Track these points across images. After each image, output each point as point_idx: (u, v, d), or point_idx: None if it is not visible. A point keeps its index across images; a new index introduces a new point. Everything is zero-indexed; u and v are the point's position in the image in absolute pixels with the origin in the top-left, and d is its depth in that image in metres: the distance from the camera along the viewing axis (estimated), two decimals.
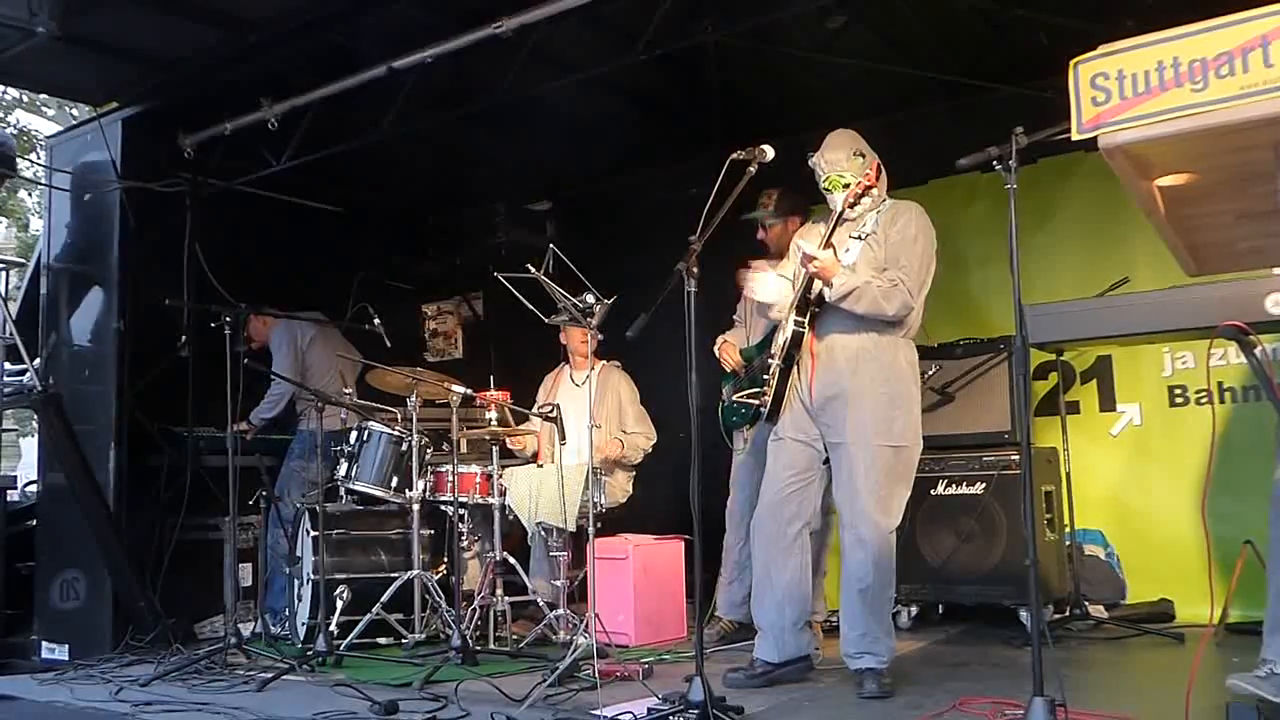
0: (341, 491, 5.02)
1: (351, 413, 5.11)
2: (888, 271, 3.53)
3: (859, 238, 3.59)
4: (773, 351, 3.69)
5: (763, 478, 3.74)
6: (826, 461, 3.61)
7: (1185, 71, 2.03)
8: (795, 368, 3.60)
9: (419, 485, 4.82)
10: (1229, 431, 4.60)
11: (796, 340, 3.57)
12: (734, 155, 3.33)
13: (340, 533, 4.88)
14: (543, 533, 4.72)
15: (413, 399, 4.78)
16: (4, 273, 5.64)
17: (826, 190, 3.67)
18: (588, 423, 4.33)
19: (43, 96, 15.72)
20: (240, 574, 5.30)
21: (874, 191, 3.65)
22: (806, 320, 3.57)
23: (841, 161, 3.63)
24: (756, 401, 3.76)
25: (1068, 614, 4.55)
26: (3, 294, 5.50)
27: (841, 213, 3.56)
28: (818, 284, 3.50)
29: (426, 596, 4.73)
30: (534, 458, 5.24)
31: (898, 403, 3.54)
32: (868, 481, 3.46)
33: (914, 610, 4.89)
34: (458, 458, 4.75)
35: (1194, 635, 4.21)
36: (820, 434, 3.59)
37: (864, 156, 3.63)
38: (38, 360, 5.50)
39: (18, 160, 5.43)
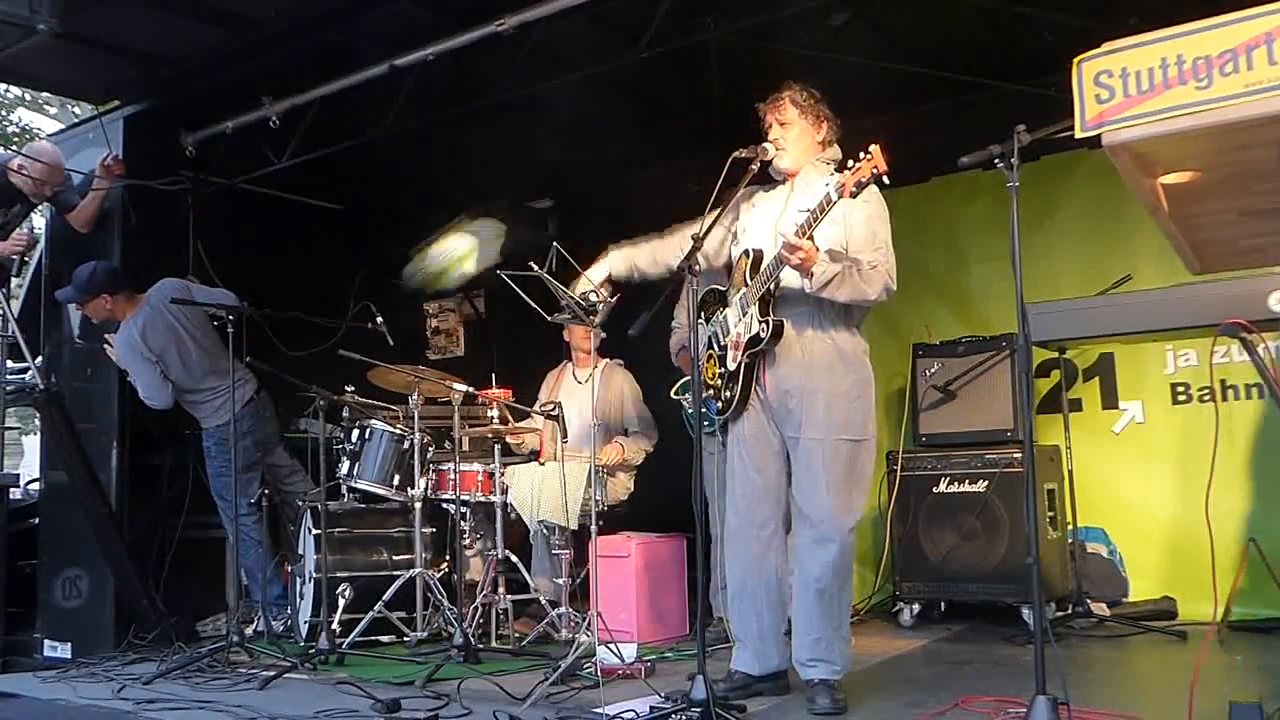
0: (343, 490, 5.03)
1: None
2: (864, 254, 3.27)
3: (806, 210, 3.20)
4: (724, 344, 3.48)
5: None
6: (789, 458, 3.41)
7: (1189, 69, 2.02)
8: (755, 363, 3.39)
9: (421, 483, 4.82)
10: (1232, 429, 4.59)
11: (777, 334, 3.31)
12: (736, 153, 3.32)
13: (342, 531, 4.88)
14: (545, 531, 4.73)
15: (414, 397, 4.78)
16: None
17: (761, 117, 3.46)
18: (591, 421, 4.32)
19: (45, 95, 15.71)
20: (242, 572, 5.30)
21: (824, 154, 3.44)
22: (770, 316, 3.31)
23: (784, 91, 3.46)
24: (720, 402, 3.48)
25: (1070, 612, 4.55)
26: (5, 292, 5.49)
27: (833, 200, 3.09)
28: (789, 273, 3.25)
29: (428, 595, 4.74)
30: (534, 455, 5.24)
31: (856, 395, 3.33)
32: (828, 478, 3.27)
33: (916, 608, 4.89)
34: (459, 456, 4.75)
35: (1197, 633, 4.21)
36: (779, 430, 3.39)
37: (820, 103, 3.44)
38: (39, 358, 5.50)
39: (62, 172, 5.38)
